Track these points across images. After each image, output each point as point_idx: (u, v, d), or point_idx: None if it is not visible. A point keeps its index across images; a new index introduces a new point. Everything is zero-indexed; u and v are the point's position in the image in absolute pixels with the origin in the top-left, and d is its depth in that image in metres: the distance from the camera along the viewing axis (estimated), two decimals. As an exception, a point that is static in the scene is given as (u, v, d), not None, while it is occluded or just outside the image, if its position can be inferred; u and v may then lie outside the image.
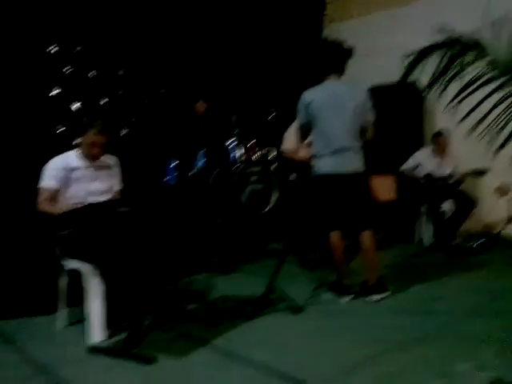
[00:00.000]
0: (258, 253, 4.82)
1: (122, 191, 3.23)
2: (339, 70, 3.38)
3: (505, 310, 3.05)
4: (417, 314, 3.01)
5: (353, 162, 3.33)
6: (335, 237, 3.38)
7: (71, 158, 2.99)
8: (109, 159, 3.17)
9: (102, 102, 5.03)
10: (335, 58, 3.39)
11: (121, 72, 5.22)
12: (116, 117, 5.08)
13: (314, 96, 3.35)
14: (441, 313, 3.04)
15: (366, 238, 3.36)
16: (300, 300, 3.24)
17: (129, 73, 5.24)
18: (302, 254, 4.58)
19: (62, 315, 2.88)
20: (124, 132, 5.13)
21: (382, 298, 3.30)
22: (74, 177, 2.94)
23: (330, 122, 3.30)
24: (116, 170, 3.20)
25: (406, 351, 2.47)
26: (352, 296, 3.35)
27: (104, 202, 2.90)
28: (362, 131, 3.38)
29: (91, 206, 2.68)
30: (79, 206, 2.79)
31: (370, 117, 3.41)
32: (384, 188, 4.60)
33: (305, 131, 3.46)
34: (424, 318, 2.95)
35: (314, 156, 3.42)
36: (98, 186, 3.03)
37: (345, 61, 3.40)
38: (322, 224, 3.47)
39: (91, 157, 2.99)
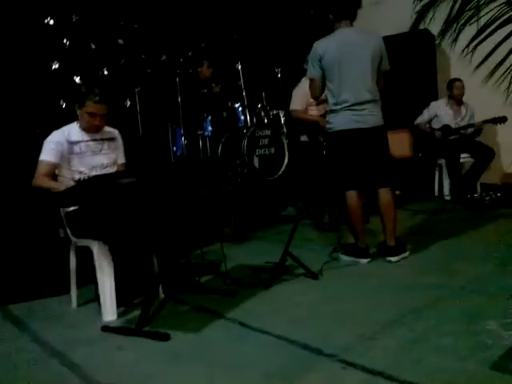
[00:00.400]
0: (273, 218, 4.72)
1: (126, 164, 3.12)
2: (350, 16, 3.14)
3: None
4: (440, 273, 2.90)
5: (372, 116, 3.13)
6: (352, 196, 3.21)
7: (72, 130, 2.87)
8: (111, 131, 3.05)
9: (103, 73, 4.91)
10: (346, 3, 3.14)
11: (121, 41, 5.07)
12: (119, 87, 4.95)
13: (327, 46, 3.11)
14: (465, 270, 2.92)
15: (385, 195, 3.19)
16: (317, 265, 3.14)
17: (129, 42, 5.08)
18: (317, 217, 4.48)
19: (73, 296, 2.83)
20: (128, 103, 5.03)
21: (402, 259, 3.18)
22: (75, 151, 2.83)
23: (346, 74, 3.07)
24: (119, 143, 3.08)
25: (430, 312, 2.37)
26: (370, 258, 3.24)
27: (108, 174, 2.78)
28: (377, 81, 3.17)
29: (95, 178, 2.56)
30: (82, 180, 2.70)
31: (386, 66, 3.21)
32: (399, 144, 4.43)
33: (319, 85, 3.20)
34: (447, 276, 2.83)
35: (330, 111, 3.21)
36: (101, 159, 2.92)
37: (356, 6, 3.16)
38: (338, 183, 3.30)
39: (93, 128, 2.87)
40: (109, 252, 2.58)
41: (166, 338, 2.27)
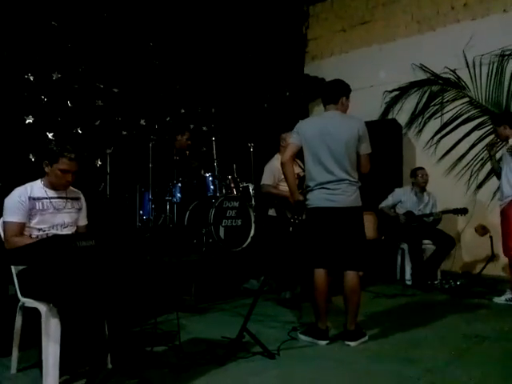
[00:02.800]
0: (234, 291, 4.64)
1: (88, 226, 3.06)
2: (333, 100, 3.29)
3: (490, 354, 2.95)
4: (396, 361, 2.86)
5: (345, 196, 3.18)
6: (321, 274, 3.19)
7: (35, 187, 2.81)
8: (75, 191, 3.01)
9: (76, 131, 4.94)
10: (327, 90, 3.34)
11: (99, 102, 5.15)
12: (91, 147, 4.97)
13: (308, 126, 3.28)
14: (421, 359, 2.88)
15: (352, 279, 3.18)
16: (275, 343, 3.07)
17: (107, 103, 5.17)
18: (279, 293, 4.43)
19: (13, 359, 2.66)
20: (99, 163, 5.03)
21: (361, 343, 3.14)
22: (37, 207, 2.76)
23: (321, 155, 3.18)
24: (82, 204, 3.03)
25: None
26: (328, 341, 3.18)
27: (66, 235, 2.71)
28: (358, 164, 3.27)
29: (51, 238, 2.49)
30: (40, 238, 2.62)
31: (366, 149, 3.30)
32: (366, 226, 4.50)
33: (294, 150, 3.29)
34: (404, 364, 2.79)
35: (307, 188, 3.29)
36: (62, 217, 2.85)
37: (337, 93, 3.31)
38: (307, 260, 3.28)
39: (62, 185, 2.82)
40: (58, 316, 2.46)
41: (107, 413, 2.14)
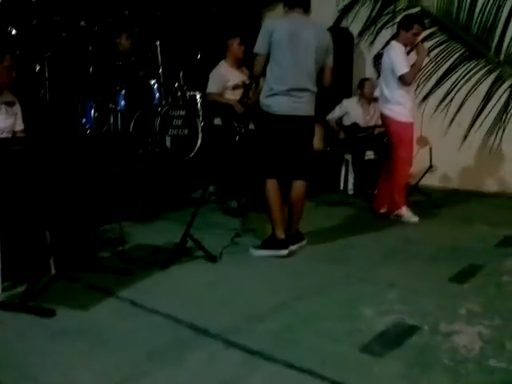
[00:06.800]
0: (182, 200, 4.69)
1: (24, 131, 2.97)
2: (303, 4, 3.12)
3: (415, 256, 3.19)
4: (331, 262, 3.06)
5: (308, 105, 3.14)
6: (274, 183, 3.16)
7: None
8: (9, 96, 2.87)
9: (10, 32, 4.61)
10: None
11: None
12: (28, 50, 4.67)
13: (278, 25, 3.09)
14: (354, 260, 3.11)
15: (300, 188, 3.23)
16: (218, 249, 3.17)
17: (44, 1, 4.80)
18: (225, 202, 4.52)
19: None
20: (37, 67, 4.76)
21: (300, 247, 3.30)
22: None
23: (289, 59, 3.05)
24: (17, 108, 2.92)
25: (316, 297, 2.50)
26: (288, 250, 3.14)
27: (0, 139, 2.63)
28: (319, 75, 3.20)
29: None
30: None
31: (330, 62, 3.22)
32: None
33: (263, 62, 3.11)
34: (337, 264, 3.00)
35: (266, 92, 3.14)
36: (-4, 123, 2.76)
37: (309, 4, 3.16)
38: (260, 170, 3.23)
39: None
40: (-5, 222, 2.45)
41: (50, 313, 2.21)
